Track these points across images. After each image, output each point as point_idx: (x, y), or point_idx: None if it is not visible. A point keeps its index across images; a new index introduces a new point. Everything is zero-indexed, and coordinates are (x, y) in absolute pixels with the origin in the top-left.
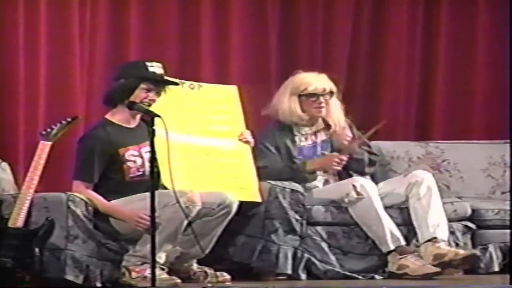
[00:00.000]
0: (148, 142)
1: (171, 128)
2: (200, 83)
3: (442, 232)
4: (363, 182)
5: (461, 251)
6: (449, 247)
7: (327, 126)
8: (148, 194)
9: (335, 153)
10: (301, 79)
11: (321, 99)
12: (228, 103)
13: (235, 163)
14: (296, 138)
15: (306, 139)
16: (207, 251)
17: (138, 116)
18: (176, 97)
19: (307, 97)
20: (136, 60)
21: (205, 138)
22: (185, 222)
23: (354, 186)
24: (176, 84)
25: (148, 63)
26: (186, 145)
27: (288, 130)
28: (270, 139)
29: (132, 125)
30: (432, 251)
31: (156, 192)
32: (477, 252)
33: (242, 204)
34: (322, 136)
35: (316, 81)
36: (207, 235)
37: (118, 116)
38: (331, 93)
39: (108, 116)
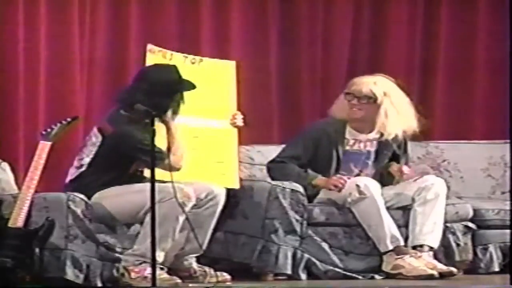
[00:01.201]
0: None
1: None
2: (202, 58)
3: (433, 240)
4: (366, 182)
5: (430, 271)
6: (420, 263)
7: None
8: (144, 186)
9: (340, 177)
10: (354, 79)
11: (355, 101)
12: (224, 79)
13: (221, 146)
14: (344, 140)
15: (353, 144)
16: (204, 247)
17: None
18: None
19: (348, 97)
20: (164, 69)
21: (195, 118)
22: (182, 218)
23: (357, 185)
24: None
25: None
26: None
27: (341, 129)
28: (314, 130)
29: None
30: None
31: (147, 186)
32: (454, 270)
33: (230, 195)
34: (372, 147)
35: (360, 83)
36: (199, 228)
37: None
38: (370, 98)
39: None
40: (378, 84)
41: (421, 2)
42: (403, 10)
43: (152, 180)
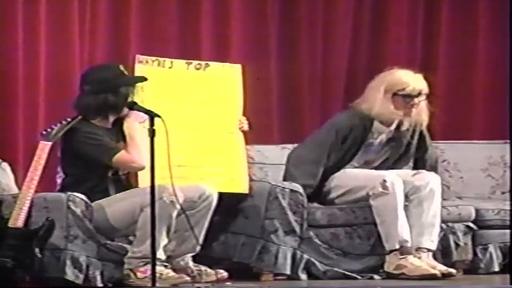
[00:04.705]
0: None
1: (166, 111)
2: (208, 62)
3: (430, 242)
4: (394, 179)
5: (432, 271)
6: (422, 262)
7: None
8: (129, 193)
9: None
10: (398, 78)
11: (415, 100)
12: (230, 83)
13: (230, 150)
14: (370, 134)
15: (377, 137)
16: (198, 248)
17: (112, 118)
18: (174, 78)
19: (402, 97)
20: (108, 67)
21: (200, 123)
22: (175, 216)
23: (384, 181)
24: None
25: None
26: (178, 132)
27: (369, 124)
28: (345, 125)
29: (109, 125)
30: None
31: (136, 191)
32: (453, 271)
33: (222, 197)
34: (389, 135)
35: (413, 81)
36: (194, 228)
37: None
38: (425, 95)
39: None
40: (423, 79)
41: (421, 1)
42: (403, 10)
43: (152, 180)
